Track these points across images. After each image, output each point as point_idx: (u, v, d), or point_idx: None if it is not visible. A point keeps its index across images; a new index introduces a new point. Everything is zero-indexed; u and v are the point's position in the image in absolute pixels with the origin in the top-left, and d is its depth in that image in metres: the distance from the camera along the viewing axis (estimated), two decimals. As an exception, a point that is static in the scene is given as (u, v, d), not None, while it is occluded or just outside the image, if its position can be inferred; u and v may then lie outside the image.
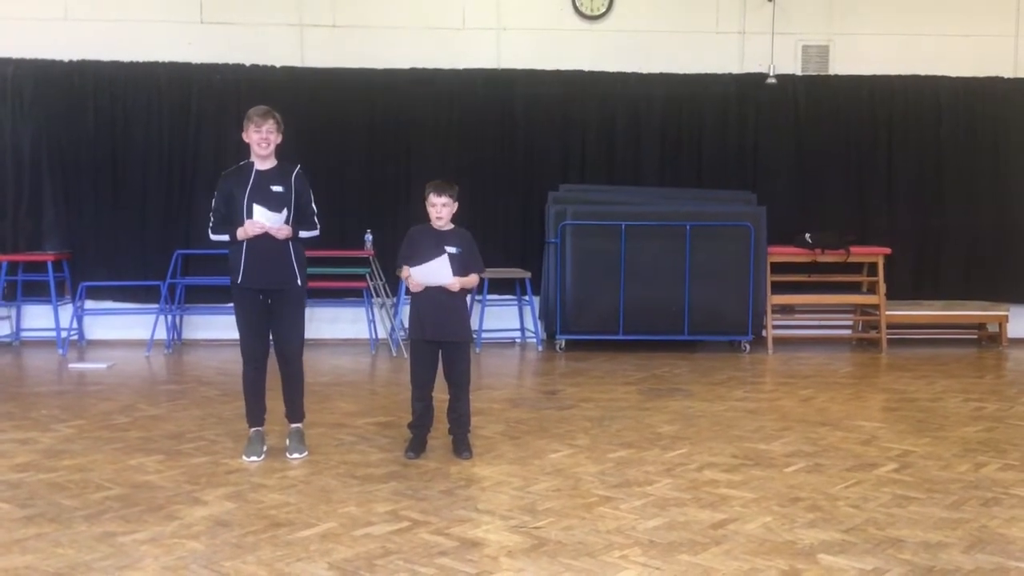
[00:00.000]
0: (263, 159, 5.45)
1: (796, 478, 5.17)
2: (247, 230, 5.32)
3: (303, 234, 5.50)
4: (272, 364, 5.57)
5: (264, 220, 5.31)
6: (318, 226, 5.60)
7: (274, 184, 5.41)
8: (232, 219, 5.40)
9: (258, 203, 5.32)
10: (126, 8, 9.69)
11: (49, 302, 9.35)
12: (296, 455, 5.50)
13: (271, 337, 5.56)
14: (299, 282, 5.50)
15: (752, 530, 4.35)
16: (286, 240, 5.40)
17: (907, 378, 8.26)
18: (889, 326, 9.85)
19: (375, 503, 4.70)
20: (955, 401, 7.27)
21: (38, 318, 9.69)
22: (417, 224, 5.67)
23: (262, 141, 5.38)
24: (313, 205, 5.57)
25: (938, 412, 6.87)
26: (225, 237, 5.42)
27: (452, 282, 5.42)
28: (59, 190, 9.68)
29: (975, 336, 10.41)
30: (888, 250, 9.82)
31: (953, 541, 4.23)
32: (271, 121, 5.40)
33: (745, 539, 4.24)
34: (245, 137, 5.45)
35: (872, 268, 9.86)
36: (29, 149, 9.62)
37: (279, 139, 5.47)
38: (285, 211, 5.37)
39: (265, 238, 5.34)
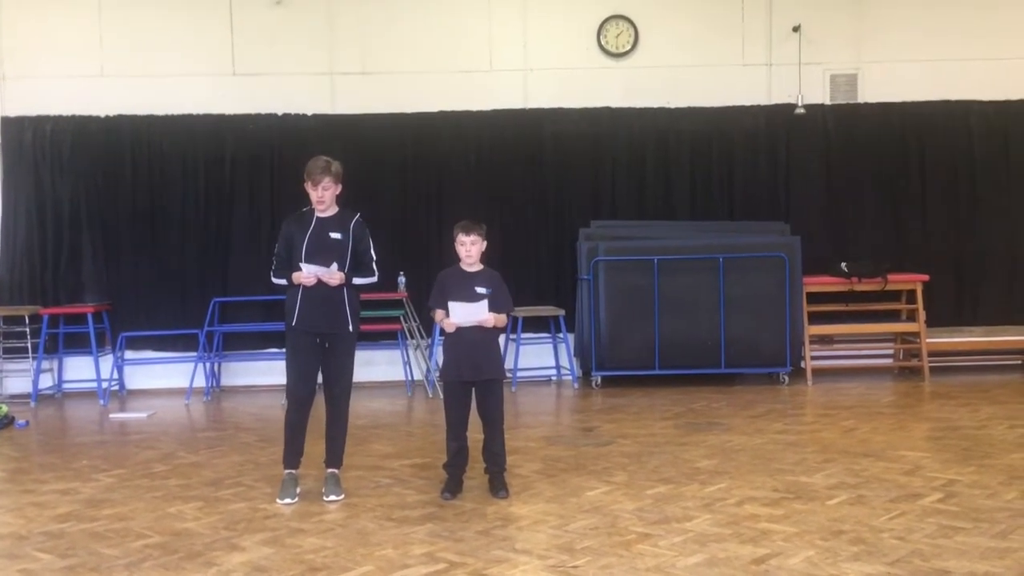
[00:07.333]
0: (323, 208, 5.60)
1: (839, 511, 5.08)
2: (299, 279, 5.46)
3: (358, 280, 5.61)
4: (316, 410, 5.62)
5: (314, 271, 5.44)
6: (376, 272, 5.69)
7: (333, 231, 5.56)
8: (292, 263, 5.55)
9: (315, 249, 5.49)
10: (160, 63, 9.90)
11: (90, 353, 9.48)
12: (333, 497, 5.51)
13: (320, 379, 5.65)
14: (351, 328, 5.60)
15: (795, 565, 4.27)
16: (341, 286, 5.50)
17: (951, 406, 8.12)
18: (931, 354, 9.70)
19: (412, 545, 4.68)
20: (1000, 428, 7.13)
21: (79, 369, 9.83)
22: (446, 268, 5.73)
23: (320, 200, 5.54)
24: (372, 252, 5.69)
25: (983, 440, 6.73)
26: (284, 281, 5.59)
27: (488, 318, 5.46)
28: (98, 243, 9.86)
29: (1019, 362, 10.23)
30: (926, 277, 9.70)
31: (1001, 571, 4.13)
32: (328, 178, 5.54)
33: (787, 574, 4.16)
34: (306, 188, 5.60)
35: (911, 295, 9.73)
36: (68, 204, 9.83)
37: (338, 189, 5.63)
38: (335, 265, 5.47)
39: (321, 283, 5.46)
